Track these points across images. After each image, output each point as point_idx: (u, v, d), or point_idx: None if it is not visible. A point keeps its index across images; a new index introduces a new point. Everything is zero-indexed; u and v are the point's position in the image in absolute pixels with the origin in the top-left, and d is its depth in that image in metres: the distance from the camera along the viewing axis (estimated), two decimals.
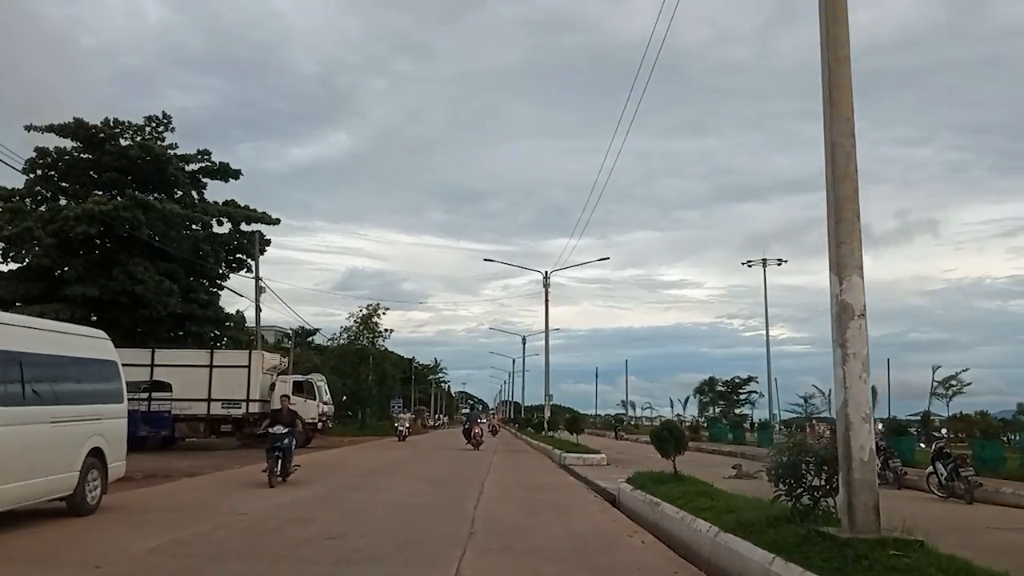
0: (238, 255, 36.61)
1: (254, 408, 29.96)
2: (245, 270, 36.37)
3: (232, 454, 25.72)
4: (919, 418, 58.99)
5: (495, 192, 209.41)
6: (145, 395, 28.76)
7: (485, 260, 71.40)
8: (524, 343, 70.38)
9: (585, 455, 23.02)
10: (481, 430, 32.12)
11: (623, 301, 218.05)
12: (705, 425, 54.98)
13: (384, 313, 59.73)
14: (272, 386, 30.65)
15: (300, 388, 30.69)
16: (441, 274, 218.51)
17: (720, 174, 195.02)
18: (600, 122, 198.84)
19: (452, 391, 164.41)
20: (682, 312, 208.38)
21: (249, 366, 30.12)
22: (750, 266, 59.06)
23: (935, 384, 48.74)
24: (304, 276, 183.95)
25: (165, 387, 28.66)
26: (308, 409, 30.45)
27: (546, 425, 38.25)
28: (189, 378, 29.62)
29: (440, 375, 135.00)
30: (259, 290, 34.96)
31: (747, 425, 55.71)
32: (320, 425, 30.57)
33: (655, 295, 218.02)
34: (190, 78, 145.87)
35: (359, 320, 59.15)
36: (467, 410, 36.18)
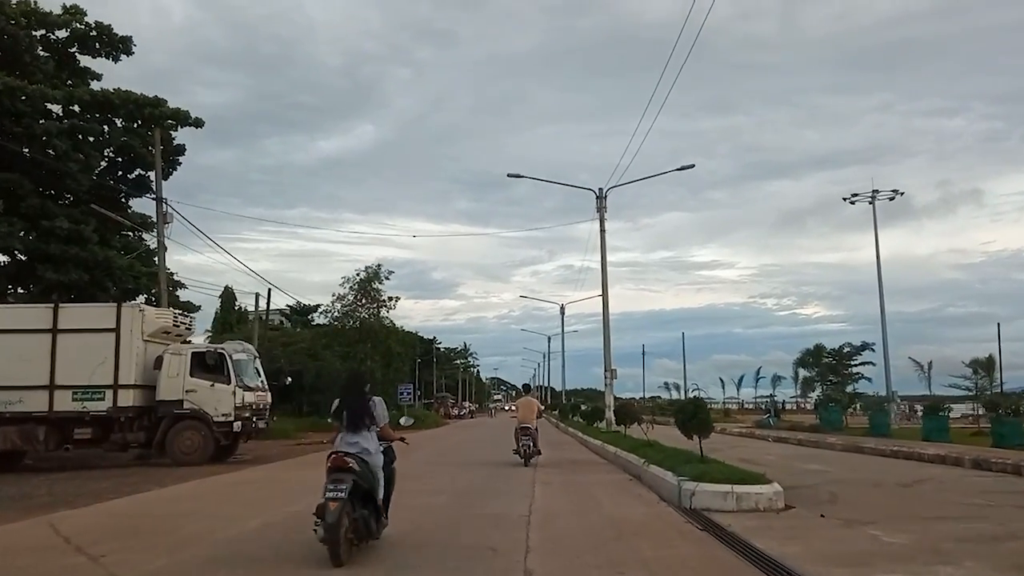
0: (139, 171, 24.28)
1: (126, 399, 17.88)
2: (149, 193, 24.11)
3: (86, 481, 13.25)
4: None
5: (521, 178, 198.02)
6: None
7: (509, 176, 33.83)
8: (563, 312, 57.79)
9: (738, 487, 10.26)
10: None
11: (654, 284, 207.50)
12: (813, 407, 42.01)
13: (387, 278, 47.54)
14: (158, 361, 18.40)
15: (203, 364, 18.31)
16: (470, 262, 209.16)
17: (748, 152, 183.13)
18: (622, 103, 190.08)
19: (483, 377, 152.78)
20: (714, 293, 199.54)
21: (118, 329, 17.94)
22: (853, 203, 46.33)
23: None
24: (335, 268, 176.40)
25: None
26: (218, 399, 18.16)
27: (611, 419, 25.21)
28: (16, 351, 17.66)
29: (469, 360, 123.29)
30: (162, 217, 22.65)
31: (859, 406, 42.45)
32: (239, 425, 18.14)
33: (686, 277, 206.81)
34: (215, 74, 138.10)
35: (356, 286, 46.98)
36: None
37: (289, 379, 27.31)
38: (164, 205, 22.65)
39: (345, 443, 6.59)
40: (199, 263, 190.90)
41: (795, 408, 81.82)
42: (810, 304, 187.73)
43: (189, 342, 20.35)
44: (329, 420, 8.00)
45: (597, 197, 26.72)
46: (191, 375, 18.13)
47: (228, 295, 65.69)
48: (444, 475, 14.32)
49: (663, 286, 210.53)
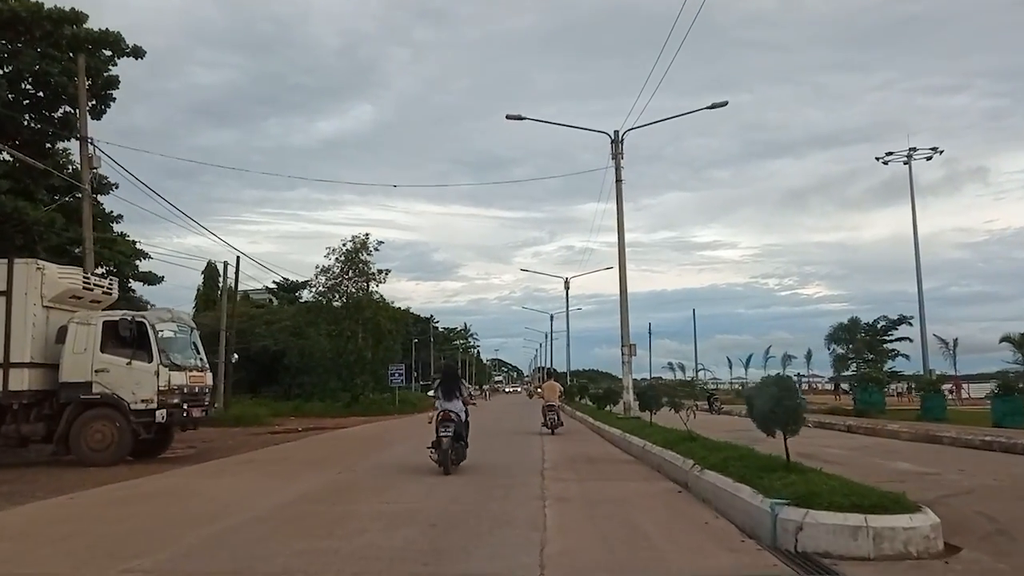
0: (65, 108, 20.25)
1: (20, 382, 14.06)
2: (76, 134, 20.08)
3: None
4: None
5: (522, 158, 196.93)
6: None
7: (508, 117, 24.70)
8: (567, 286, 53.99)
9: (874, 519, 6.38)
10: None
11: (656, 264, 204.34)
12: (848, 389, 38.11)
13: (377, 248, 43.61)
14: (62, 332, 14.52)
15: (119, 337, 14.37)
16: (471, 243, 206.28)
17: (750, 131, 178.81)
18: (622, 83, 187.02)
19: (484, 358, 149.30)
20: (716, 273, 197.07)
21: (9, 292, 14.10)
22: (887, 163, 42.25)
23: None
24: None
25: None
26: (136, 380, 14.29)
27: (630, 403, 21.40)
28: None
29: (469, 340, 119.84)
30: (87, 161, 18.66)
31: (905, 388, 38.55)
32: (163, 414, 14.21)
33: (688, 257, 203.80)
34: (214, 55, 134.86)
35: (342, 257, 43.02)
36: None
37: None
38: (90, 147, 18.69)
39: (445, 406, 11.66)
40: (197, 244, 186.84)
41: (808, 388, 78.18)
42: (812, 284, 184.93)
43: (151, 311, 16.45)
44: (430, 394, 13.17)
45: (612, 141, 22.77)
46: (102, 351, 14.22)
47: (210, 270, 61.81)
48: (419, 485, 10.43)
49: (665, 266, 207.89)
